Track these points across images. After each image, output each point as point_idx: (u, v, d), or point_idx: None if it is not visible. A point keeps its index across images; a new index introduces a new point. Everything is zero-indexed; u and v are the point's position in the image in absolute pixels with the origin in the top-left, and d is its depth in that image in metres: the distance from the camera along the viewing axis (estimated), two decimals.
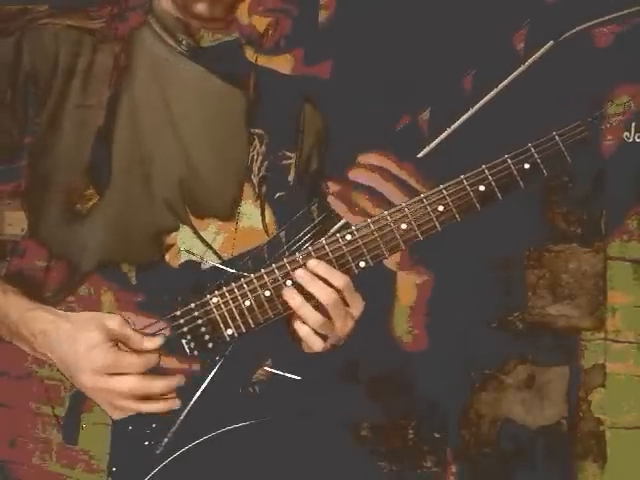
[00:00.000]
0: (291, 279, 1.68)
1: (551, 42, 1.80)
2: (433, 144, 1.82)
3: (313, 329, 1.67)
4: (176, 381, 1.67)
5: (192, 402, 1.69)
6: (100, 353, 1.62)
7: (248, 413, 1.75)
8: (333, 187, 1.81)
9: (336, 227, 1.79)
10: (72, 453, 1.68)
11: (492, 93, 1.81)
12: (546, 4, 2.04)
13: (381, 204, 1.74)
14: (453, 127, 1.82)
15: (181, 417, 1.69)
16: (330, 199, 1.80)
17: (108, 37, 1.81)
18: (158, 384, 1.65)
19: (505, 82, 1.81)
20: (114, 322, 1.64)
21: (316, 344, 1.69)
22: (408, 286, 2.24)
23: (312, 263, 1.67)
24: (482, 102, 1.81)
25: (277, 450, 1.79)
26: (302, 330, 1.68)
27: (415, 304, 2.27)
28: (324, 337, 1.69)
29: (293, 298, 1.66)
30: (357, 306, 1.69)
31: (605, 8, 1.81)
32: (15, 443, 1.70)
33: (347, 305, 1.68)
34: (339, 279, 1.66)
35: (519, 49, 1.99)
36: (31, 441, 1.69)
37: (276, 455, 1.79)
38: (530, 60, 1.80)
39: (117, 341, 1.64)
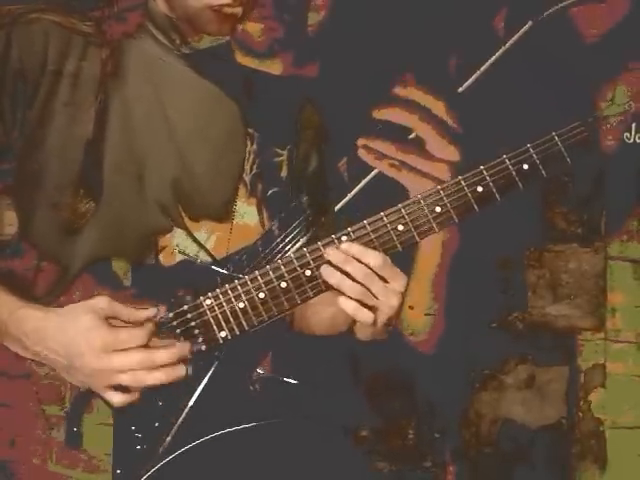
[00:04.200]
0: (286, 281, 1.67)
1: (530, 22, 1.79)
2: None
3: (358, 301, 1.65)
4: (181, 349, 1.65)
5: (192, 402, 1.69)
6: (98, 333, 1.61)
7: (248, 414, 1.75)
8: (362, 142, 1.79)
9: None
10: (72, 453, 1.68)
11: (475, 75, 1.81)
12: None
13: (414, 152, 1.73)
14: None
15: (181, 418, 1.68)
16: (361, 153, 1.79)
17: (97, 41, 1.79)
18: (162, 354, 1.63)
19: (487, 64, 1.80)
20: (102, 302, 1.63)
21: (365, 316, 1.66)
22: (434, 245, 2.23)
23: (345, 246, 1.65)
24: (466, 84, 1.80)
25: (277, 451, 1.79)
26: (349, 306, 1.65)
27: (439, 268, 2.27)
28: (372, 309, 1.66)
29: (332, 274, 1.65)
30: (399, 280, 1.67)
31: None
32: (15, 443, 1.70)
33: (386, 282, 1.66)
34: (373, 258, 1.65)
35: (500, 31, 1.99)
36: (31, 441, 1.69)
37: (276, 456, 1.78)
38: (510, 41, 1.79)
39: (110, 318, 1.63)
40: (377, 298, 1.66)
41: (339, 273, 1.65)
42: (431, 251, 2.24)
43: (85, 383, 1.65)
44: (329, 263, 1.66)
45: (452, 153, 1.91)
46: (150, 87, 1.80)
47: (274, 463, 1.77)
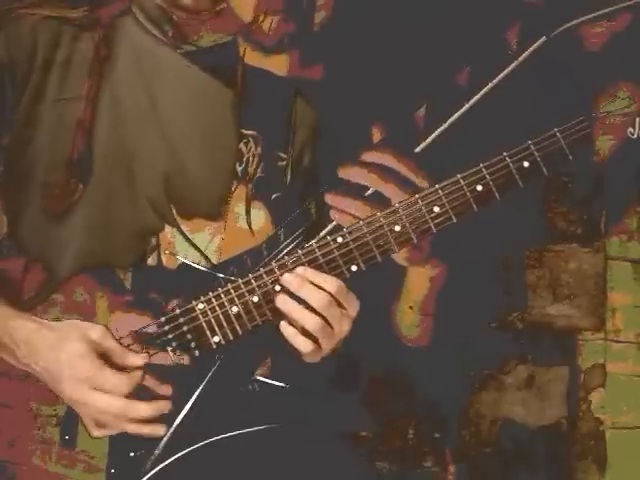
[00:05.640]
0: (280, 284, 1.64)
1: (544, 38, 1.79)
2: (430, 139, 1.80)
3: (304, 331, 1.63)
4: (162, 407, 1.63)
5: (189, 405, 1.69)
6: (84, 364, 1.58)
7: (247, 417, 1.74)
8: (332, 200, 1.78)
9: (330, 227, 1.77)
10: (72, 453, 1.67)
11: (486, 88, 1.80)
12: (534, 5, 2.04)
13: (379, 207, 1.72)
14: (449, 121, 1.81)
15: (178, 420, 1.68)
16: (332, 214, 1.77)
17: (89, 25, 1.77)
18: (143, 408, 1.61)
19: (499, 77, 1.80)
20: (97, 333, 1.60)
21: (304, 345, 1.64)
22: (421, 279, 2.24)
23: (299, 270, 1.63)
24: (477, 97, 1.80)
25: (276, 452, 1.78)
26: (287, 331, 1.63)
27: (426, 297, 2.28)
28: (314, 339, 1.64)
29: (286, 303, 1.63)
30: (353, 306, 1.65)
31: (595, 5, 1.81)
32: (15, 443, 1.69)
33: (342, 307, 1.64)
34: (330, 283, 1.63)
35: (512, 45, 1.99)
36: (31, 441, 1.69)
37: (275, 457, 1.78)
38: (523, 55, 1.79)
39: (101, 353, 1.60)
40: (332, 328, 1.64)
41: (295, 303, 1.62)
42: (418, 284, 2.25)
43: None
44: (284, 291, 1.63)
45: None
46: (139, 79, 1.78)
47: (273, 464, 1.77)
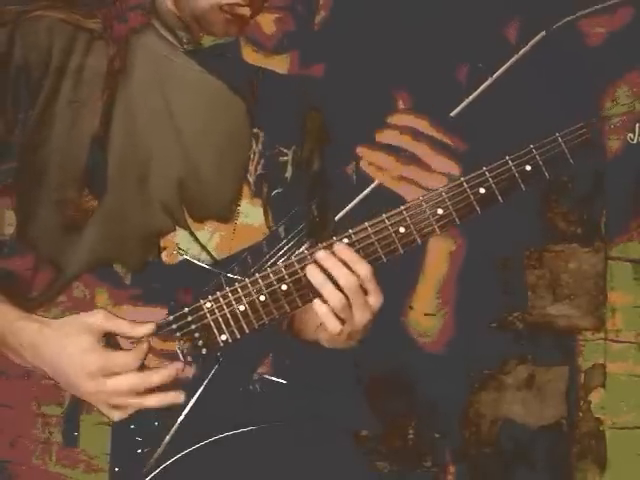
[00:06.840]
0: (286, 283, 1.65)
1: (543, 33, 1.80)
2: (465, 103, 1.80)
3: (332, 310, 1.64)
4: (175, 370, 1.64)
5: (191, 403, 1.69)
6: (93, 356, 1.60)
7: (248, 415, 1.74)
8: (364, 152, 1.79)
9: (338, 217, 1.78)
10: (72, 453, 1.68)
11: (486, 83, 1.81)
12: None
13: (413, 164, 1.73)
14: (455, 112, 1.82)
15: (180, 419, 1.68)
16: (363, 165, 1.78)
17: (103, 38, 1.78)
18: (156, 377, 1.62)
19: (499, 72, 1.81)
20: (98, 318, 1.61)
21: (334, 325, 1.64)
22: (441, 255, 2.23)
23: (339, 247, 1.64)
24: (477, 92, 1.81)
25: (276, 451, 1.78)
26: (321, 310, 1.64)
27: (446, 277, 2.27)
28: (342, 321, 1.65)
29: (316, 275, 1.63)
30: (376, 298, 1.66)
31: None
32: (15, 443, 1.69)
33: (366, 294, 1.65)
34: (362, 267, 1.64)
35: (512, 40, 1.99)
36: (31, 441, 1.69)
37: (275, 456, 1.78)
38: (523, 50, 1.80)
39: (107, 336, 1.61)
40: (351, 310, 1.65)
41: (323, 275, 1.63)
42: (438, 261, 2.24)
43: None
44: (317, 263, 1.64)
45: (452, 167, 1.90)
46: (155, 85, 1.79)
47: (273, 464, 1.77)
